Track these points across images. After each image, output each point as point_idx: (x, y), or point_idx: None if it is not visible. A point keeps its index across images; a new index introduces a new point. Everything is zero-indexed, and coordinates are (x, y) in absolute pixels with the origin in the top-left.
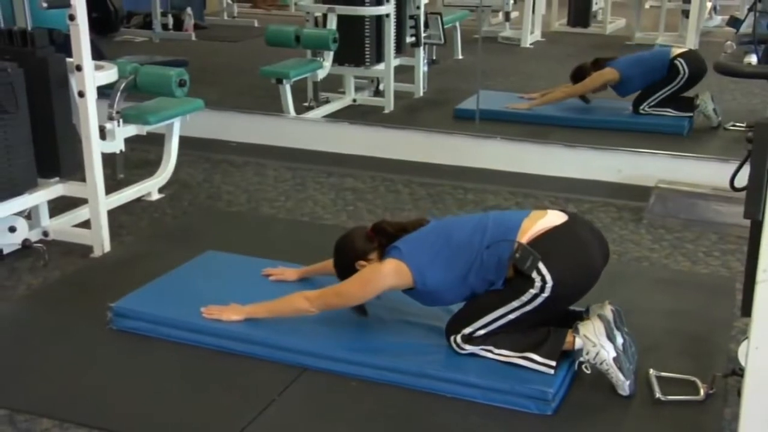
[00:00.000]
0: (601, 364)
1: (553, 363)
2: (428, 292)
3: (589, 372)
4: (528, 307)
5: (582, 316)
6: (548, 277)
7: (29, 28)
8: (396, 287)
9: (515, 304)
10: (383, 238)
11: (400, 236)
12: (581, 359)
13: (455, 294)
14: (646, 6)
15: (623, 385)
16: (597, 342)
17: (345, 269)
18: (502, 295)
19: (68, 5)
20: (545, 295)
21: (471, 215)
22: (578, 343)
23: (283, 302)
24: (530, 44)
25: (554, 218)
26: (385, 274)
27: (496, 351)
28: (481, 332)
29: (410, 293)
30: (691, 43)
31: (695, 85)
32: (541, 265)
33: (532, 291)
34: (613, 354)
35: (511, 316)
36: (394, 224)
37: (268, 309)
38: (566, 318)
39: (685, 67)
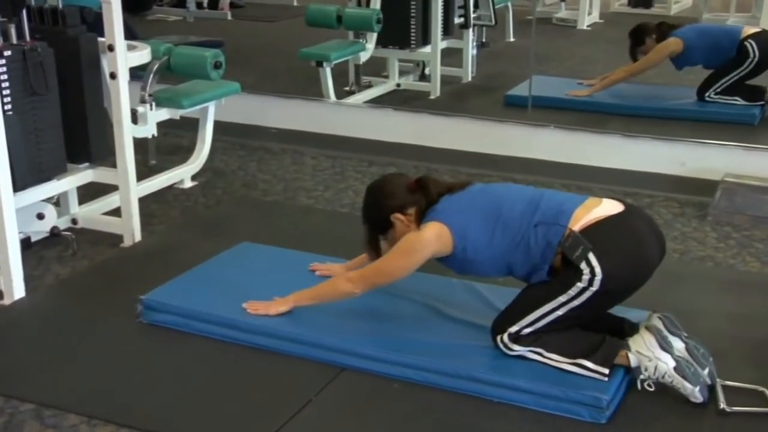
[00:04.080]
0: (663, 377)
1: (606, 371)
2: (466, 260)
3: (653, 389)
4: (575, 302)
5: (628, 331)
6: (598, 270)
7: (60, 6)
8: (437, 254)
9: (562, 299)
10: (425, 196)
11: (443, 197)
12: (641, 377)
13: (493, 268)
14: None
15: (693, 392)
16: (652, 355)
17: (377, 220)
18: (547, 289)
19: None
20: (594, 288)
21: (522, 187)
22: (633, 360)
23: (326, 287)
24: (587, 26)
25: (610, 207)
26: (428, 241)
27: (547, 355)
28: (528, 330)
29: (444, 260)
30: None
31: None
32: (591, 256)
33: (580, 284)
34: (672, 364)
35: (559, 312)
36: (439, 182)
37: (312, 296)
38: (620, 327)
39: (756, 49)
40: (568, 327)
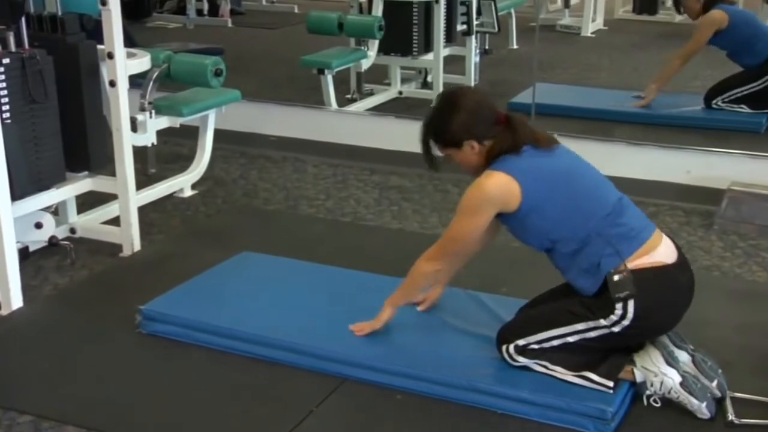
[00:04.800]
0: (669, 393)
1: (611, 383)
2: (524, 224)
3: (659, 405)
4: (591, 334)
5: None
6: (629, 316)
7: (59, 13)
8: (502, 208)
9: (579, 327)
10: (511, 138)
11: (524, 146)
12: (647, 393)
13: (541, 243)
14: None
15: (700, 408)
16: (658, 371)
17: (446, 135)
18: (568, 312)
19: None
20: (615, 330)
21: (605, 181)
22: (638, 376)
23: (410, 279)
24: (591, 33)
25: (667, 252)
26: (492, 198)
27: (551, 367)
28: (535, 347)
29: (501, 215)
30: None
31: None
32: (631, 302)
33: (604, 322)
34: (678, 379)
35: (570, 339)
36: (528, 129)
37: (403, 292)
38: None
39: None
40: (575, 353)
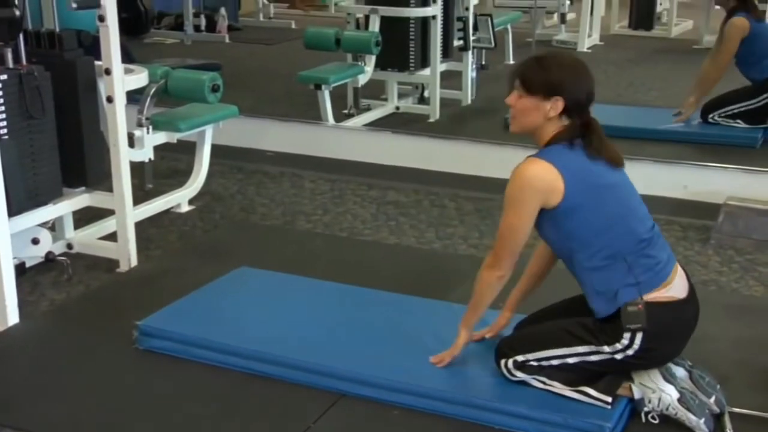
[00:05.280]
0: (667, 409)
1: (609, 399)
2: (556, 224)
3: (657, 422)
4: (592, 358)
5: None
6: (635, 347)
7: (57, 30)
8: (544, 201)
9: (580, 349)
10: (579, 129)
11: (580, 133)
12: (645, 410)
13: (561, 245)
14: (716, 6)
15: (698, 425)
16: (655, 387)
17: (539, 85)
18: (570, 334)
19: (98, 5)
20: (617, 358)
21: (644, 205)
22: (636, 392)
23: (477, 294)
24: (588, 48)
25: (680, 286)
26: (535, 177)
27: (549, 382)
28: (534, 364)
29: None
30: None
31: None
32: (639, 335)
33: (607, 349)
34: (676, 395)
35: (570, 360)
36: (602, 137)
37: (473, 310)
38: None
39: None
40: (572, 369)
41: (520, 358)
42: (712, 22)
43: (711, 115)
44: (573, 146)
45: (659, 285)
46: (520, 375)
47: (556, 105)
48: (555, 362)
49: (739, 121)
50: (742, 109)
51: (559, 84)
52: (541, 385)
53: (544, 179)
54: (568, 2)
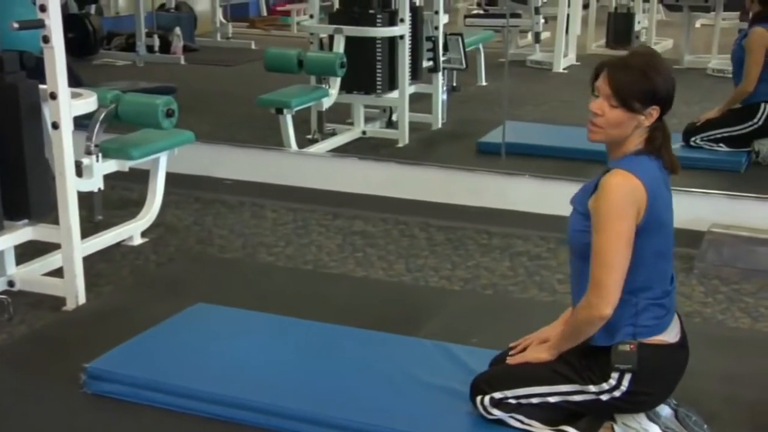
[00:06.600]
0: None
1: None
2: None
3: None
4: (575, 398)
5: None
6: (623, 389)
7: None
8: (637, 214)
9: (563, 388)
10: (662, 135)
11: (659, 144)
12: None
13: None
14: (697, 25)
15: None
16: (639, 427)
17: (635, 94)
18: (552, 371)
19: (42, 26)
20: (602, 399)
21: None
22: None
23: (576, 332)
24: (563, 69)
25: (674, 330)
26: (627, 188)
27: (527, 421)
28: (512, 401)
29: None
30: None
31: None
32: (627, 376)
33: (593, 388)
34: None
35: (551, 399)
36: (665, 130)
37: (567, 343)
38: None
39: (765, 115)
40: (553, 408)
41: (497, 395)
42: (694, 41)
43: (693, 138)
44: (652, 157)
45: (657, 335)
46: (497, 413)
47: (650, 115)
48: (535, 400)
49: (722, 145)
50: (726, 134)
51: (658, 93)
52: (518, 425)
53: (635, 191)
54: (542, 21)
